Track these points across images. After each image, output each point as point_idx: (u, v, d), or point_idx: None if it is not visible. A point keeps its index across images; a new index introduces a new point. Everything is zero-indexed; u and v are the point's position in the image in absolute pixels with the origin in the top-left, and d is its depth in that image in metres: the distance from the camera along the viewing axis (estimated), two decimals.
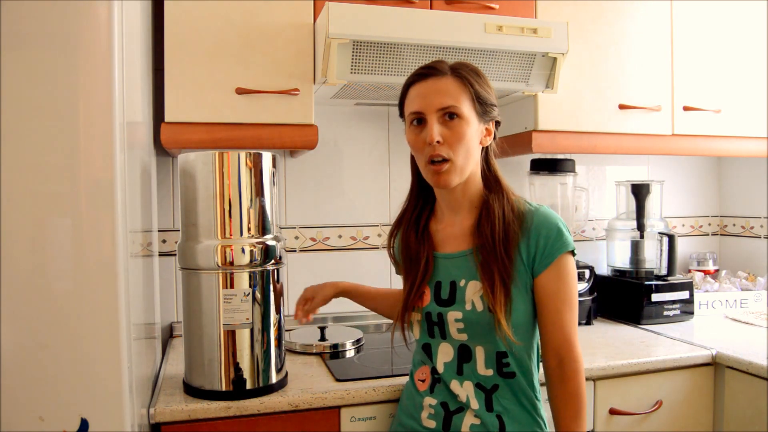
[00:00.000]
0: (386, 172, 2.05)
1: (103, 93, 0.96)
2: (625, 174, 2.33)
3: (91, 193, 0.97)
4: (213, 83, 1.53)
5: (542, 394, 1.19)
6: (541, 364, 1.18)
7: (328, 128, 1.97)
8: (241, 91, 1.54)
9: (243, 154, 1.28)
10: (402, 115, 1.22)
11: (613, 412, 1.52)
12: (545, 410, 1.17)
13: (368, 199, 2.04)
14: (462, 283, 1.16)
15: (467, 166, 1.14)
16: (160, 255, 1.83)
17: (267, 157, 1.32)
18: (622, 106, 1.88)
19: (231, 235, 1.27)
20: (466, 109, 1.12)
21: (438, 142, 1.11)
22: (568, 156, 2.07)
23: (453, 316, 1.14)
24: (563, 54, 1.65)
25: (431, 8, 1.68)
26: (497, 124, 1.20)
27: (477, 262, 1.14)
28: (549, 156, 2.07)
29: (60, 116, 0.95)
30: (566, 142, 1.84)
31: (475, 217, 1.17)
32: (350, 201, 2.02)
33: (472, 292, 1.14)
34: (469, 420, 1.14)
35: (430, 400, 1.19)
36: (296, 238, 1.96)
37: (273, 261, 1.31)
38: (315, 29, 1.60)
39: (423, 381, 1.22)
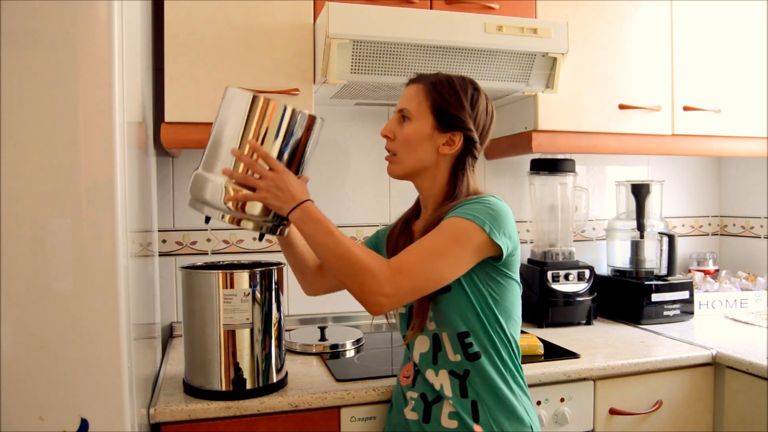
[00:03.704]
0: (386, 172, 2.05)
1: (103, 93, 0.96)
2: (625, 174, 2.33)
3: (91, 193, 0.97)
4: (213, 83, 1.53)
5: (535, 394, 1.19)
6: (513, 348, 1.19)
7: (328, 128, 1.96)
8: None
9: (281, 105, 1.17)
10: None
11: (613, 412, 1.52)
12: (533, 405, 1.17)
13: (368, 199, 2.04)
14: None
15: (411, 163, 1.22)
16: (160, 255, 1.83)
17: (318, 123, 1.22)
18: (622, 106, 1.88)
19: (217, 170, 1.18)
20: (420, 114, 1.20)
21: (387, 137, 1.24)
22: (568, 156, 2.07)
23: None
24: (563, 54, 1.65)
25: (431, 8, 1.68)
26: (469, 140, 1.20)
27: None
28: (549, 156, 2.07)
29: (60, 116, 0.95)
30: (566, 142, 1.84)
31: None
32: (350, 201, 2.02)
33: None
34: (446, 409, 1.16)
35: (412, 393, 1.22)
36: None
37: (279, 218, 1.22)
38: (315, 29, 1.60)
39: (407, 377, 1.25)
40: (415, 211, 1.33)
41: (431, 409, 1.18)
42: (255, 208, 1.16)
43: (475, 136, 1.21)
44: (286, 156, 1.18)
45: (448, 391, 1.16)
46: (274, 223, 1.21)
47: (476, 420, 1.14)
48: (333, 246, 1.10)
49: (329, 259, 1.11)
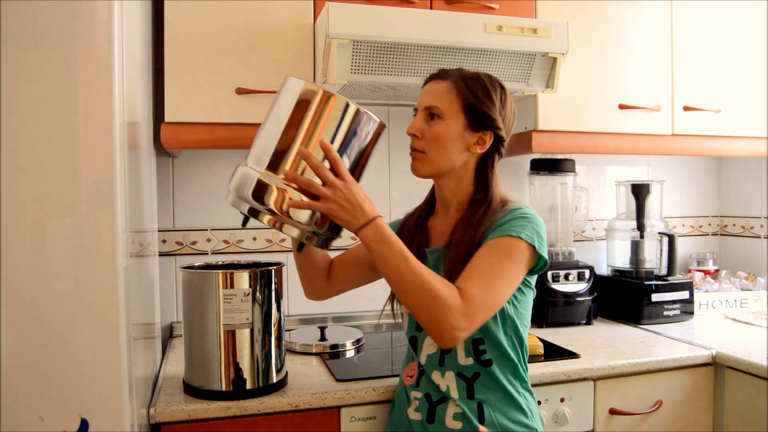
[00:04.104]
0: (386, 172, 2.05)
1: (103, 93, 0.96)
2: (625, 174, 2.33)
3: (91, 193, 0.97)
4: (213, 83, 1.53)
5: (535, 394, 1.19)
6: (522, 352, 1.19)
7: None
8: (241, 91, 1.54)
9: (354, 106, 1.07)
10: None
11: (613, 412, 1.52)
12: (537, 409, 1.17)
13: None
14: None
15: (441, 163, 1.18)
16: (160, 255, 1.83)
17: (373, 123, 1.11)
18: (622, 106, 1.88)
19: (278, 173, 1.05)
20: (450, 112, 1.17)
21: (415, 135, 1.19)
22: (568, 156, 2.07)
23: None
24: (563, 54, 1.65)
25: (431, 8, 1.68)
26: (499, 139, 1.20)
27: (442, 259, 1.18)
28: (549, 156, 2.07)
29: (60, 116, 0.95)
30: (566, 142, 1.84)
31: (458, 217, 1.20)
32: None
33: None
34: (452, 409, 1.16)
35: (416, 394, 1.22)
36: None
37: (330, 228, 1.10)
38: (315, 29, 1.60)
39: (411, 377, 1.24)
40: (426, 209, 1.30)
41: (435, 410, 1.18)
42: (302, 214, 1.04)
43: (504, 135, 1.20)
44: (350, 164, 1.08)
45: (454, 393, 1.16)
46: (325, 235, 1.11)
47: (482, 421, 1.14)
48: (407, 272, 1.02)
49: (402, 285, 1.04)
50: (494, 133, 1.18)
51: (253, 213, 1.07)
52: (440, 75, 1.21)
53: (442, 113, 1.17)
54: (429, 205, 1.31)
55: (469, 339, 1.14)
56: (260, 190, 1.04)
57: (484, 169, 1.21)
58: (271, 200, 1.03)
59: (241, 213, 1.09)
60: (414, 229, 1.27)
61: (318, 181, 1.03)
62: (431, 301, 1.01)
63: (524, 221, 1.12)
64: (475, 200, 1.19)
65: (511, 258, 1.10)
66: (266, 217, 1.06)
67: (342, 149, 1.07)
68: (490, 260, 1.09)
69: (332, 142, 1.05)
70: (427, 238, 1.26)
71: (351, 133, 1.07)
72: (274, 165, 1.05)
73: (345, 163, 1.07)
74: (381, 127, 1.12)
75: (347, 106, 1.05)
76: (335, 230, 1.11)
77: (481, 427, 1.13)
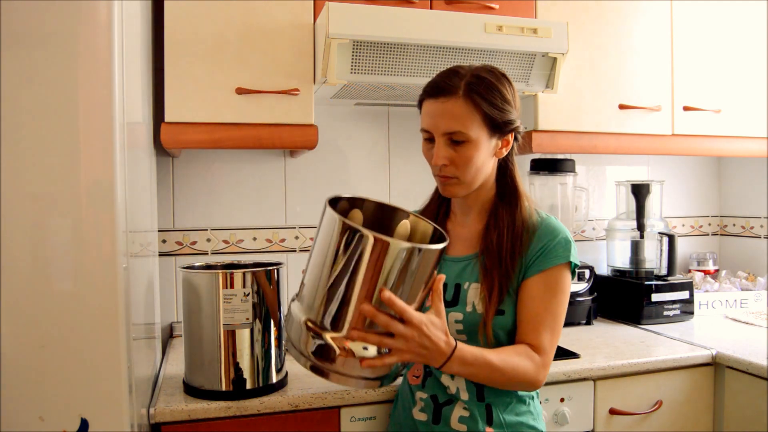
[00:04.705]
0: (386, 172, 2.05)
1: (103, 93, 0.96)
2: (625, 174, 2.33)
3: (91, 193, 0.97)
4: (213, 83, 1.53)
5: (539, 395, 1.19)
6: None
7: (328, 128, 1.97)
8: (241, 91, 1.54)
9: (411, 247, 0.93)
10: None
11: (613, 412, 1.52)
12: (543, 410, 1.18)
13: None
14: (466, 285, 1.17)
15: (476, 181, 1.16)
16: (160, 255, 1.83)
17: (434, 252, 0.97)
18: (622, 106, 1.88)
19: (340, 330, 0.95)
20: (475, 132, 1.11)
21: (444, 165, 1.13)
22: (568, 156, 2.07)
23: (453, 317, 1.15)
24: (563, 54, 1.65)
25: (431, 8, 1.68)
26: (517, 132, 1.19)
27: (480, 266, 1.15)
28: (549, 156, 2.07)
29: (60, 116, 0.95)
30: (566, 142, 1.84)
31: (485, 222, 1.19)
32: None
33: (474, 294, 1.15)
34: (458, 412, 1.16)
35: (421, 394, 1.21)
36: (296, 238, 1.96)
37: None
38: (315, 29, 1.60)
39: (417, 377, 1.24)
40: (438, 210, 1.26)
41: (441, 411, 1.17)
42: (377, 371, 0.98)
43: (521, 128, 1.19)
44: (416, 304, 0.98)
45: (464, 395, 1.15)
46: (394, 375, 1.04)
47: (489, 422, 1.14)
48: (497, 376, 1.06)
49: (492, 383, 1.10)
50: (514, 131, 1.18)
51: (318, 371, 0.98)
52: (447, 90, 1.11)
53: (467, 136, 1.10)
54: (439, 204, 1.27)
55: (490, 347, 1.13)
56: (326, 352, 0.95)
57: (505, 163, 1.21)
58: (339, 363, 0.95)
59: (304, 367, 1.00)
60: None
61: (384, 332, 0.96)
62: (519, 380, 1.08)
63: (568, 244, 1.14)
64: (501, 201, 1.18)
65: (564, 290, 1.14)
66: (333, 376, 0.97)
67: (405, 293, 0.95)
68: (549, 303, 1.12)
69: (394, 288, 0.93)
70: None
71: (413, 274, 0.95)
72: (336, 321, 0.95)
73: (415, 300, 0.97)
74: (441, 252, 0.98)
75: (403, 251, 0.92)
76: (403, 367, 1.07)
77: (488, 428, 1.13)
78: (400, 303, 0.93)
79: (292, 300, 1.05)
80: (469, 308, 1.14)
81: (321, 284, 0.96)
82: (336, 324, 0.95)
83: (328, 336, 0.95)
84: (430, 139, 1.15)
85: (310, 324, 0.97)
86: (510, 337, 1.15)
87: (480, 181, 1.17)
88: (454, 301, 1.17)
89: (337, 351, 0.94)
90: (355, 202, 1.11)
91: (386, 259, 0.91)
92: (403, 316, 0.94)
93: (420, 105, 1.17)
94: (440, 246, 0.96)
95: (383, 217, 1.13)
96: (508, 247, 1.13)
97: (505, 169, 1.22)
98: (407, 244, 0.93)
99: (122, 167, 1.00)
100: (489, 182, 1.20)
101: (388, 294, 0.92)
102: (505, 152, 1.18)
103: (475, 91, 1.10)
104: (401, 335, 0.94)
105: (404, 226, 1.11)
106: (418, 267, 0.94)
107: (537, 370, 1.08)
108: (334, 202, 1.05)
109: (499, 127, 1.13)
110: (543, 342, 1.10)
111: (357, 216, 1.10)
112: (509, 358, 1.07)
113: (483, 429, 1.13)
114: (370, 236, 0.90)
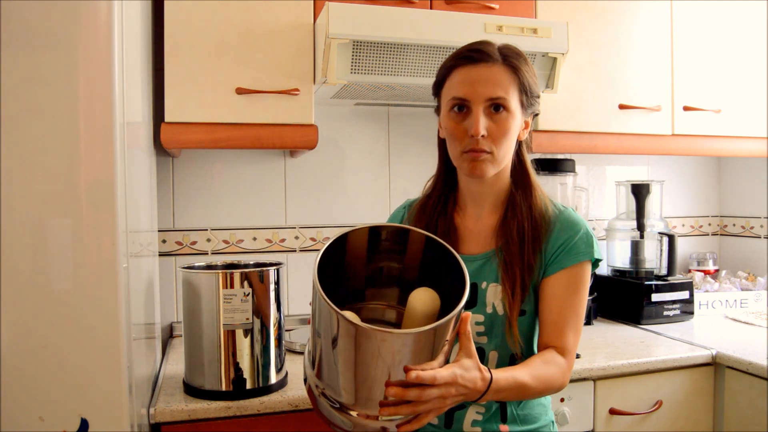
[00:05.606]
0: (386, 172, 2.05)
1: (103, 93, 0.96)
2: (625, 174, 2.33)
3: (91, 193, 0.97)
4: (213, 83, 1.53)
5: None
6: None
7: (328, 128, 1.97)
8: (241, 91, 1.54)
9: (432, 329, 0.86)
10: (437, 94, 1.13)
11: (613, 412, 1.52)
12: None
13: (368, 199, 2.04)
14: (483, 285, 1.12)
15: (505, 160, 1.09)
16: (160, 255, 1.83)
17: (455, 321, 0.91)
18: (622, 106, 1.88)
19: (371, 409, 0.89)
20: (514, 101, 1.05)
21: (483, 136, 1.04)
22: (568, 156, 2.07)
23: (473, 319, 1.11)
24: (563, 54, 1.65)
25: (431, 8, 1.68)
26: (535, 115, 1.15)
27: (500, 262, 1.10)
28: (549, 156, 2.07)
29: (60, 116, 0.95)
30: (566, 142, 1.84)
31: (500, 215, 1.13)
32: (350, 201, 2.02)
33: (493, 294, 1.11)
34: (471, 416, 1.14)
35: None
36: (296, 238, 1.96)
37: None
38: (315, 29, 1.60)
39: None
40: (441, 201, 1.18)
41: (453, 415, 1.14)
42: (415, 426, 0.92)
43: (540, 110, 1.14)
44: (444, 352, 0.91)
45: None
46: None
47: (504, 419, 1.12)
48: (530, 393, 1.04)
49: (525, 399, 1.11)
50: (535, 112, 1.12)
51: None
52: (488, 55, 1.05)
53: (508, 104, 1.04)
54: (442, 195, 1.18)
55: (507, 354, 1.11)
56: (359, 425, 0.91)
57: (521, 153, 1.14)
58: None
59: None
60: (438, 226, 1.15)
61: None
62: (550, 390, 1.06)
63: (590, 239, 1.12)
64: (517, 191, 1.13)
65: (586, 286, 1.11)
66: None
67: (430, 353, 0.88)
68: (572, 301, 1.08)
69: (417, 359, 0.86)
70: (456, 239, 1.15)
71: (435, 340, 0.88)
72: (364, 402, 0.89)
73: (438, 357, 0.90)
74: (464, 318, 0.93)
75: (420, 335, 0.86)
76: None
77: (502, 426, 1.12)
78: (428, 375, 0.85)
79: (305, 358, 0.98)
80: (489, 309, 1.10)
81: (339, 371, 0.89)
82: (365, 404, 0.89)
83: (355, 414, 0.90)
84: (460, 108, 1.06)
85: (335, 403, 0.91)
86: (531, 335, 1.12)
87: (506, 162, 1.10)
88: (472, 302, 1.12)
89: (372, 426, 0.90)
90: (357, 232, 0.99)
91: (404, 349, 0.85)
92: (435, 382, 0.86)
93: (446, 77, 1.09)
94: (455, 313, 0.87)
95: (396, 240, 1.02)
96: (530, 238, 1.08)
97: (519, 157, 1.14)
98: (422, 329, 0.84)
99: (122, 167, 1.00)
100: (507, 168, 1.13)
101: (414, 374, 0.84)
102: (525, 135, 1.13)
103: (514, 59, 1.06)
104: (437, 397, 0.88)
105: (419, 297, 0.98)
106: (438, 335, 0.87)
107: (564, 374, 1.06)
108: (334, 247, 0.94)
109: (530, 102, 1.08)
110: (568, 343, 1.07)
111: (354, 315, 0.95)
112: (539, 373, 1.02)
113: (497, 428, 1.11)
114: (377, 333, 0.83)
